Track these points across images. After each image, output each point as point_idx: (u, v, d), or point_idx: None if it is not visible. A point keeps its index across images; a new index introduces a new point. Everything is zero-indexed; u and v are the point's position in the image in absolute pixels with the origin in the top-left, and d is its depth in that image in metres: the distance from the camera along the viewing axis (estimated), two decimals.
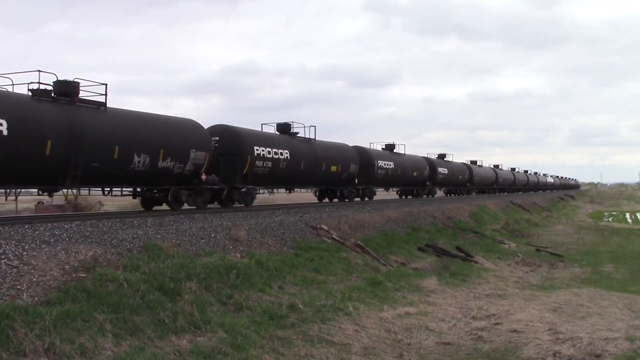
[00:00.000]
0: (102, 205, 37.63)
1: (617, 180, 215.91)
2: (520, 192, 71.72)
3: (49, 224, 12.97)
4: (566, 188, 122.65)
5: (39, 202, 36.54)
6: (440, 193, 50.06)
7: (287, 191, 28.64)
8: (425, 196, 42.49)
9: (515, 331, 12.40)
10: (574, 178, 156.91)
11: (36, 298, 9.51)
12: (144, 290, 10.68)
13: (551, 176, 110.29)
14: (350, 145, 32.04)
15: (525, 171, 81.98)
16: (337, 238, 19.61)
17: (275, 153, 23.54)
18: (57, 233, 12.33)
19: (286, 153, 24.20)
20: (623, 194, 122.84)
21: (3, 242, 10.98)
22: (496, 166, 68.42)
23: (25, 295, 9.46)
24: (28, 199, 36.61)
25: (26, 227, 12.33)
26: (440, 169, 44.58)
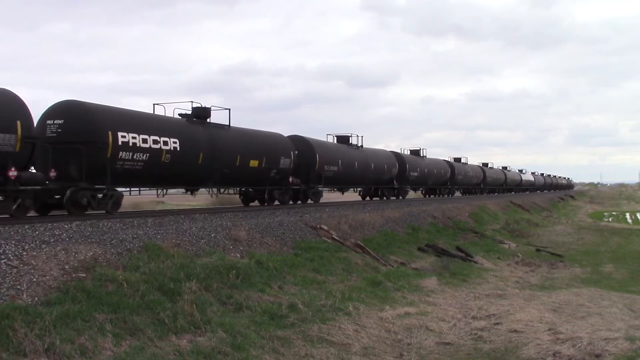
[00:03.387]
0: None
1: (617, 181, 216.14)
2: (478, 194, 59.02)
3: (49, 224, 12.96)
4: (554, 188, 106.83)
5: None
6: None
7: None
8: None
9: (515, 331, 12.39)
10: (567, 177, 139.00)
11: (36, 298, 9.51)
12: (144, 290, 10.68)
13: (532, 173, 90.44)
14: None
15: (485, 165, 64.79)
16: (337, 238, 19.61)
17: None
18: (57, 233, 12.33)
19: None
20: (623, 194, 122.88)
21: (3, 242, 10.97)
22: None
23: (25, 295, 9.46)
24: None
25: (26, 227, 12.32)
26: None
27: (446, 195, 47.42)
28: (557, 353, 10.71)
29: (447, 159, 48.82)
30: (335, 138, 31.77)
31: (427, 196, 46.00)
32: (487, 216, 39.70)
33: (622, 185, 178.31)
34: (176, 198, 22.38)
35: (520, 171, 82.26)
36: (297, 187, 25.54)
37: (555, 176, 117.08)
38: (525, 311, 14.21)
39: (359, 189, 34.84)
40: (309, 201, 26.96)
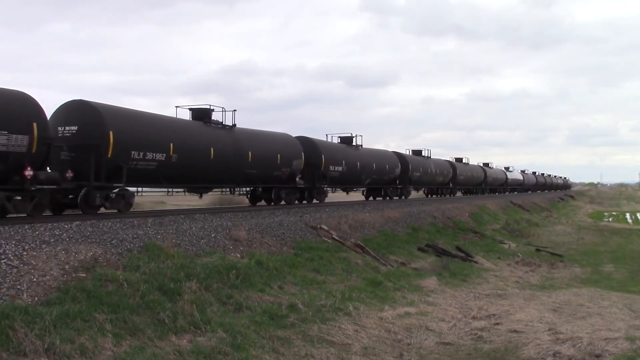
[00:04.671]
0: None
1: (617, 181, 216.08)
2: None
3: (49, 224, 12.96)
4: (549, 188, 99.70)
5: None
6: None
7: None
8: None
9: (515, 331, 12.40)
10: (564, 177, 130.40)
11: (36, 298, 9.51)
12: (144, 290, 10.68)
13: (522, 172, 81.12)
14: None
15: (459, 160, 53.86)
16: (337, 238, 19.60)
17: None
18: (57, 233, 12.33)
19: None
20: (623, 194, 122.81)
21: (3, 242, 10.97)
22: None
23: (25, 295, 9.46)
24: None
25: (26, 227, 12.33)
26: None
27: (397, 197, 37.76)
28: (557, 353, 10.71)
29: (399, 152, 39.23)
30: (190, 113, 21.39)
31: (369, 198, 36.65)
32: (487, 216, 39.70)
33: (622, 185, 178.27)
34: (176, 199, 22.19)
35: (507, 169, 73.10)
36: (52, 185, 14.91)
37: (550, 175, 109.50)
38: (525, 311, 14.22)
39: (242, 189, 24.17)
40: (113, 210, 17.40)
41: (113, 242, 12.78)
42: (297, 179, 25.70)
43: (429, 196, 47.29)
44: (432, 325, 12.89)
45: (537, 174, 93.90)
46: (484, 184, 57.95)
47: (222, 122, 21.76)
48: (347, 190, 33.92)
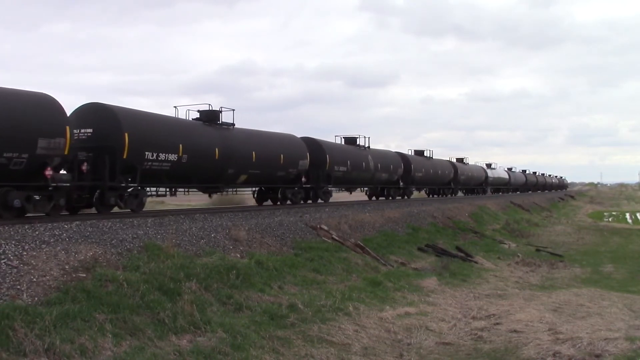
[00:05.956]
0: None
1: (617, 181, 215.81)
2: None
3: (49, 224, 12.96)
4: (542, 188, 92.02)
5: None
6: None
7: None
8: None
9: (515, 331, 12.40)
10: (560, 176, 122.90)
11: (36, 298, 9.51)
12: (144, 290, 10.68)
13: (509, 169, 71.52)
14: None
15: (419, 153, 43.03)
16: (337, 238, 19.60)
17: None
18: (57, 233, 12.33)
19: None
20: (623, 194, 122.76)
21: (3, 242, 10.98)
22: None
23: (25, 295, 9.46)
24: None
25: (26, 227, 12.33)
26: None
27: (310, 201, 27.18)
28: (557, 353, 10.71)
29: (312, 137, 28.11)
30: None
31: (263, 202, 25.83)
32: (487, 216, 39.70)
33: (622, 185, 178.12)
34: (176, 199, 22.13)
35: (488, 165, 61.90)
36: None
37: (544, 174, 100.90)
38: (525, 311, 14.22)
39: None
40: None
41: (113, 242, 12.78)
42: (46, 173, 14.66)
43: (372, 198, 36.25)
44: (432, 325, 12.89)
45: (527, 172, 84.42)
46: (453, 182, 47.79)
47: None
48: (208, 192, 22.90)
